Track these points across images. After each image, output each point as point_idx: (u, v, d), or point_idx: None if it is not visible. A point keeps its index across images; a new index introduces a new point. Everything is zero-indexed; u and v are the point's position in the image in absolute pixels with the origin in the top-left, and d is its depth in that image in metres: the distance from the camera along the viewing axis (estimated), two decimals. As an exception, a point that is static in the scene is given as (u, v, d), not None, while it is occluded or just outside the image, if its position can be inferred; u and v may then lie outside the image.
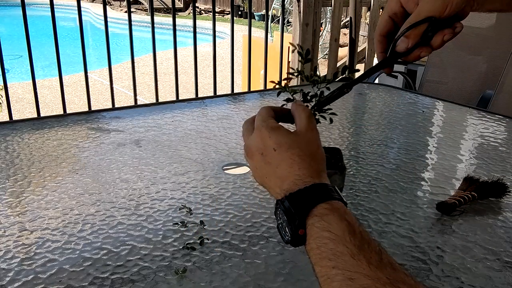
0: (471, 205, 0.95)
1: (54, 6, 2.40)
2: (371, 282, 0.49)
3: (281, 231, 0.60)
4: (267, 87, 2.94)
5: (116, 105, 2.86)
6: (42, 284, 0.70)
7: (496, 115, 1.59)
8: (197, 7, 13.98)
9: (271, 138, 0.63)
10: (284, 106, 0.71)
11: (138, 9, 14.25)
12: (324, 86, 0.72)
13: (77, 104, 5.53)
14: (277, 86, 0.73)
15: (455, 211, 0.92)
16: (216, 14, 3.32)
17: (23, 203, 0.94)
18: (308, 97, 0.74)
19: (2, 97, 3.17)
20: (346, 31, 6.90)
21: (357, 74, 0.81)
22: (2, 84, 2.45)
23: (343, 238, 0.53)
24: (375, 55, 5.27)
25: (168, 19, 9.60)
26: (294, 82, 2.41)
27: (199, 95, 2.90)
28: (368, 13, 5.73)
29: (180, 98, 2.76)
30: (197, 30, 2.84)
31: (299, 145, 0.63)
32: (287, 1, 7.71)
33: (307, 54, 0.70)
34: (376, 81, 3.11)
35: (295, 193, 0.58)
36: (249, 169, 1.10)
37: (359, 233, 0.53)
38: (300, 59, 0.70)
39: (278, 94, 0.74)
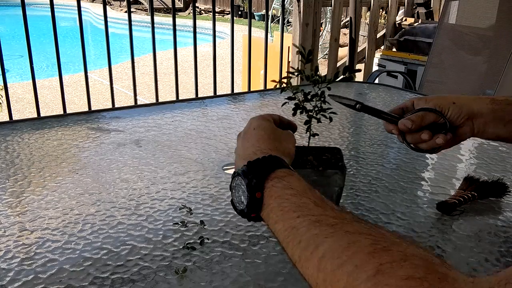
0: (471, 205, 0.95)
1: (54, 6, 2.40)
2: (338, 220, 0.51)
3: (236, 203, 0.61)
4: (267, 87, 2.94)
5: (116, 105, 2.86)
6: (42, 284, 0.70)
7: (496, 115, 1.59)
8: (197, 7, 13.98)
9: (256, 120, 0.71)
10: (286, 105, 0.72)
11: (138, 9, 14.25)
12: (325, 86, 0.72)
13: (77, 104, 5.53)
14: (278, 86, 0.73)
15: (455, 211, 0.92)
16: (216, 14, 3.32)
17: (23, 203, 0.94)
18: (309, 97, 0.74)
19: (2, 97, 3.17)
20: (346, 31, 6.90)
21: (357, 75, 0.82)
22: (2, 84, 2.45)
23: (304, 192, 0.56)
24: (375, 56, 5.28)
25: (168, 19, 9.60)
26: (294, 82, 2.41)
27: (199, 95, 2.90)
28: (368, 13, 5.73)
29: (180, 98, 2.76)
30: (197, 30, 2.84)
31: (274, 132, 0.70)
32: (287, 1, 7.71)
33: (308, 54, 0.70)
34: (376, 81, 3.11)
35: (254, 161, 0.61)
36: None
37: (318, 193, 0.57)
38: (301, 59, 0.70)
39: (281, 92, 0.75)
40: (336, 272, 0.45)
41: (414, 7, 6.33)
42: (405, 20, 5.92)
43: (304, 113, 0.78)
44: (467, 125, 0.80)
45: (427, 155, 1.26)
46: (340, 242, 0.47)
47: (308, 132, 0.79)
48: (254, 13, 12.50)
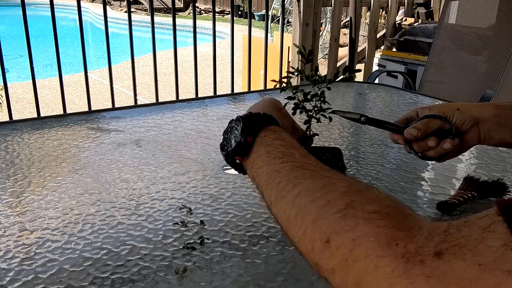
0: (471, 205, 0.95)
1: (54, 6, 2.40)
2: (318, 168, 0.54)
3: (225, 145, 0.65)
4: (267, 87, 2.94)
5: (116, 105, 2.86)
6: (42, 284, 0.70)
7: (496, 115, 1.59)
8: (197, 7, 13.98)
9: (270, 99, 0.74)
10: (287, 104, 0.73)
11: (138, 9, 14.25)
12: (325, 86, 0.72)
13: (77, 104, 5.53)
14: (278, 86, 0.73)
15: (455, 211, 0.92)
16: (216, 14, 3.32)
17: (23, 203, 0.94)
18: (309, 97, 0.74)
19: (2, 97, 3.17)
20: (346, 31, 6.90)
21: (357, 75, 0.83)
22: (2, 84, 2.45)
23: (293, 145, 0.60)
24: (375, 56, 5.28)
25: (168, 19, 9.60)
26: (294, 82, 2.41)
27: (199, 95, 2.90)
28: (368, 13, 5.73)
29: (180, 98, 2.76)
30: (197, 30, 2.84)
31: (279, 107, 0.73)
32: (287, 1, 7.71)
33: (309, 54, 0.70)
34: (376, 81, 3.11)
35: (255, 113, 0.65)
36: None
37: (305, 150, 0.60)
38: (301, 59, 0.70)
39: (281, 91, 0.75)
40: (308, 206, 0.48)
41: (414, 7, 6.33)
42: (405, 20, 5.92)
43: (304, 113, 0.78)
44: (473, 131, 0.80)
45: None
46: (316, 183, 0.50)
47: (308, 132, 0.79)
48: (254, 13, 12.50)
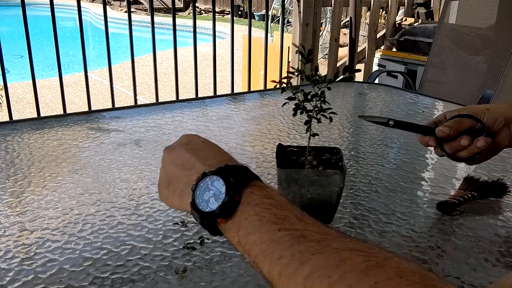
0: (471, 205, 0.95)
1: (54, 6, 2.40)
2: (324, 236, 0.47)
3: (199, 205, 0.54)
4: (267, 87, 2.94)
5: (116, 105, 2.86)
6: (42, 284, 0.70)
7: (496, 115, 1.59)
8: (197, 7, 13.98)
9: (199, 137, 0.66)
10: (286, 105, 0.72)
11: (138, 9, 14.25)
12: (325, 86, 0.72)
13: (77, 104, 5.53)
14: (278, 86, 0.73)
15: (455, 211, 0.92)
16: (216, 14, 3.32)
17: (23, 203, 0.94)
18: (309, 97, 0.74)
19: (2, 97, 3.17)
20: (346, 31, 6.90)
21: (357, 75, 0.82)
22: (2, 84, 2.45)
23: (286, 205, 0.51)
24: (375, 56, 5.28)
25: (168, 19, 9.60)
26: (294, 82, 2.41)
27: (199, 95, 2.90)
28: (368, 13, 5.73)
29: (180, 98, 2.76)
30: (197, 30, 2.84)
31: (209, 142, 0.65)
32: (287, 1, 7.71)
33: (308, 54, 0.70)
34: (376, 81, 3.11)
35: (232, 165, 0.55)
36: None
37: (299, 208, 0.52)
38: (301, 59, 0.70)
39: (282, 92, 0.75)
40: None
41: (414, 7, 6.33)
42: (405, 20, 5.92)
43: (304, 113, 0.78)
44: (504, 131, 0.79)
45: (428, 156, 1.26)
46: (329, 259, 0.43)
47: (308, 132, 0.79)
48: (254, 13, 12.50)
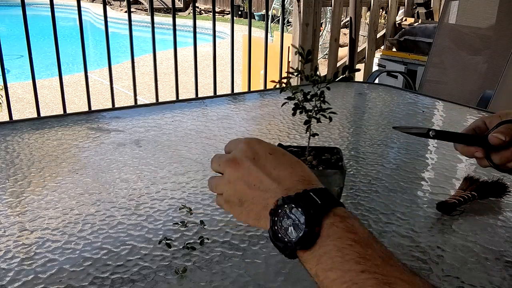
0: (471, 205, 0.95)
1: (54, 6, 2.40)
2: (409, 286, 0.43)
3: (279, 233, 0.51)
4: (267, 87, 2.94)
5: (116, 105, 2.86)
6: (42, 284, 0.70)
7: (496, 115, 1.59)
8: (197, 7, 13.98)
9: (263, 145, 0.60)
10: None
11: (138, 9, 14.25)
12: (324, 86, 0.72)
13: (77, 104, 5.54)
14: (278, 86, 0.73)
15: (455, 211, 0.92)
16: (216, 14, 3.32)
17: (23, 203, 0.94)
18: (308, 97, 0.74)
19: (2, 97, 3.17)
20: (346, 31, 6.90)
21: (357, 75, 0.82)
22: (2, 84, 2.45)
23: (369, 242, 0.48)
24: (375, 56, 5.27)
25: (168, 19, 9.60)
26: (294, 82, 2.42)
27: (199, 95, 2.90)
28: (368, 13, 5.73)
29: (180, 98, 2.76)
30: (197, 30, 2.84)
31: (292, 156, 0.60)
32: (287, 1, 7.71)
33: (308, 54, 0.70)
34: (376, 81, 3.11)
35: (309, 190, 0.52)
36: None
37: (381, 242, 0.49)
38: (300, 59, 0.70)
39: (281, 91, 0.74)
40: None
41: (414, 7, 6.33)
42: (405, 20, 5.92)
43: (303, 113, 0.78)
44: None
45: (428, 156, 1.26)
46: None
47: (308, 132, 0.79)
48: (254, 13, 12.50)
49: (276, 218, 0.52)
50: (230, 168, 0.59)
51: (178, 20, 3.03)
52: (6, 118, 2.28)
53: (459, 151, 0.79)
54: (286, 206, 0.51)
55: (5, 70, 2.33)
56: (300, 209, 0.50)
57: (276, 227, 0.52)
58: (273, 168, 0.56)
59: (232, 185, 0.58)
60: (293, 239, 0.50)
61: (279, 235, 0.51)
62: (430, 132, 0.76)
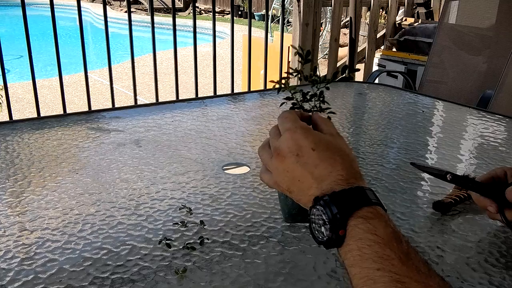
0: (471, 205, 0.95)
1: (54, 6, 2.40)
2: (422, 286, 0.46)
3: (314, 231, 0.57)
4: (267, 87, 2.94)
5: (116, 105, 2.85)
6: (42, 284, 0.70)
7: (496, 115, 1.59)
8: (197, 7, 13.98)
9: (307, 138, 0.61)
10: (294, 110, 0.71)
11: (138, 9, 14.25)
12: (324, 86, 0.72)
13: (77, 104, 5.54)
14: (277, 86, 0.73)
15: (452, 211, 0.92)
16: (216, 14, 3.32)
17: (23, 203, 0.94)
18: (308, 97, 0.74)
19: (2, 97, 3.17)
20: (346, 31, 6.90)
21: (357, 75, 0.82)
22: (2, 84, 2.45)
23: (389, 243, 0.51)
24: (375, 56, 5.27)
25: (168, 19, 9.59)
26: (293, 82, 2.42)
27: (199, 95, 2.90)
28: (368, 13, 5.73)
29: (180, 98, 2.76)
30: (197, 30, 2.84)
31: (338, 145, 0.61)
32: (287, 1, 7.71)
33: (307, 55, 0.70)
34: (376, 81, 3.11)
35: (339, 192, 0.55)
36: (249, 169, 1.10)
37: (405, 242, 0.52)
38: (300, 59, 0.70)
39: (278, 92, 0.74)
40: None
41: (414, 7, 6.34)
42: (405, 20, 5.93)
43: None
44: None
45: (428, 156, 1.26)
46: None
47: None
48: (254, 13, 12.50)
49: (312, 217, 0.57)
50: (276, 159, 0.63)
51: (178, 20, 3.03)
52: (6, 118, 2.28)
53: (472, 198, 0.80)
54: (318, 206, 0.56)
55: (5, 70, 2.33)
56: (328, 213, 0.54)
57: (313, 224, 0.57)
58: (314, 166, 0.59)
59: (281, 174, 0.62)
60: (323, 239, 0.55)
61: (315, 232, 0.57)
62: (448, 176, 0.78)
